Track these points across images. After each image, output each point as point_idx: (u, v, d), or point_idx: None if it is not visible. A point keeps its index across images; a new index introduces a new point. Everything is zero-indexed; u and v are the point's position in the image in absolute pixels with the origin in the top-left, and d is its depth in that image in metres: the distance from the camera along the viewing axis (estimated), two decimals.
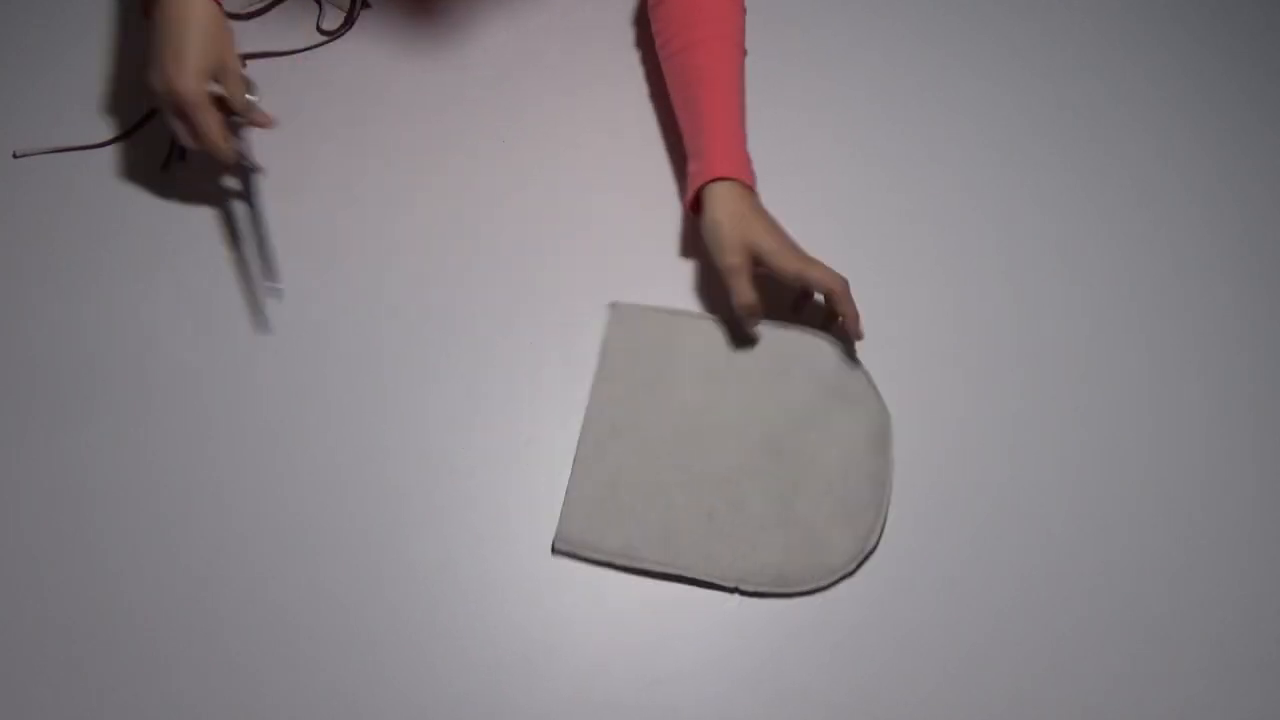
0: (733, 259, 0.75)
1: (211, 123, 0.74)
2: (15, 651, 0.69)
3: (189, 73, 0.72)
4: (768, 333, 0.79)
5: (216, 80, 0.75)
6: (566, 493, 0.74)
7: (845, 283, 0.76)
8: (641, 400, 0.76)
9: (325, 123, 0.90)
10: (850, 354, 0.78)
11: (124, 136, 0.89)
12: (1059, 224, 0.89)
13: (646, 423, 0.76)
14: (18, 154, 0.87)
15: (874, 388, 0.78)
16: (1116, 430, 0.80)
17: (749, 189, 0.78)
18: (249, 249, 0.82)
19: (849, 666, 0.70)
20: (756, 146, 0.90)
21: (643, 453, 0.75)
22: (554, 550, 0.73)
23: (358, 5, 0.96)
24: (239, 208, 0.84)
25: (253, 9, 0.97)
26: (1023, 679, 0.71)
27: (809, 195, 0.88)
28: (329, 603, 0.71)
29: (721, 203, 0.76)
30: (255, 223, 0.82)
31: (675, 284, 0.84)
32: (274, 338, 0.80)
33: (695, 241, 0.83)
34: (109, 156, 0.88)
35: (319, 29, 0.96)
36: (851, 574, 0.72)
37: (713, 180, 0.77)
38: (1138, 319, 0.85)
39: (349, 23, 0.96)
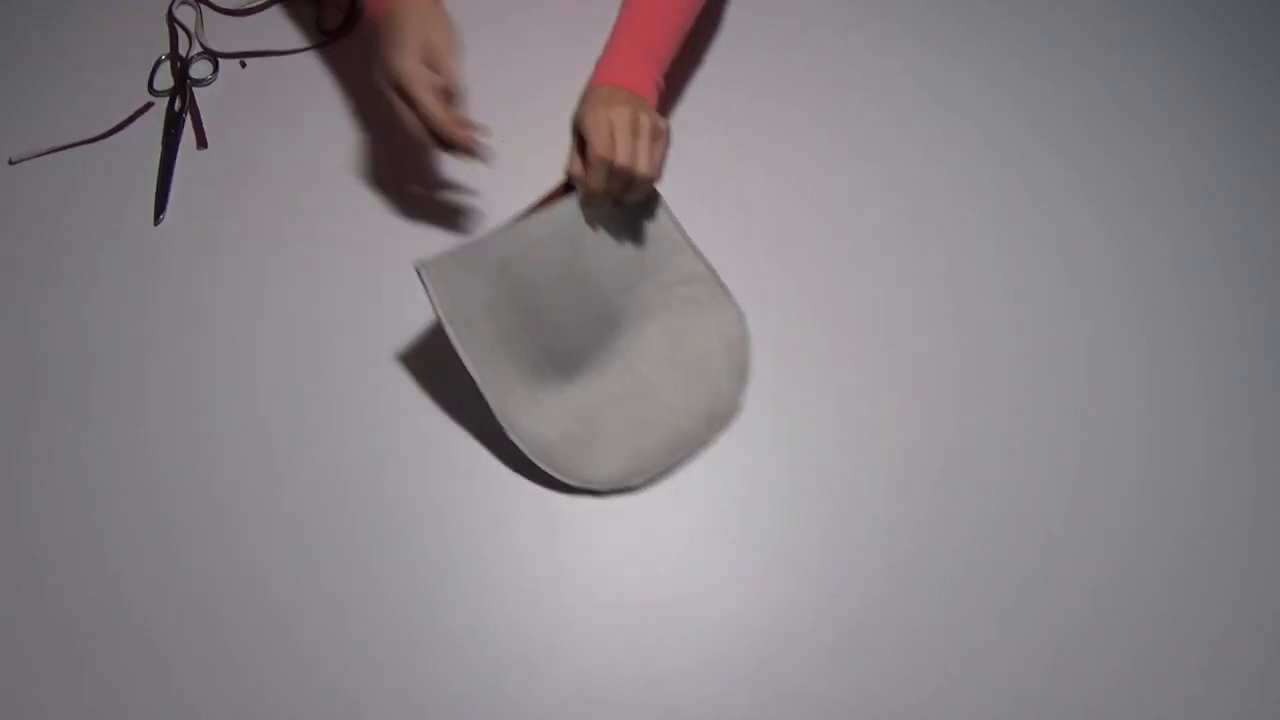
0: (586, 122, 0.74)
1: (428, 97, 0.74)
2: (15, 651, 0.69)
3: (406, 54, 0.74)
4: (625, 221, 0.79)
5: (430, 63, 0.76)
6: (467, 245, 0.72)
7: (608, 154, 0.72)
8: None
9: (325, 122, 0.91)
10: (709, 268, 0.80)
11: (117, 130, 0.89)
12: (1059, 224, 0.89)
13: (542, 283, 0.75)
14: (13, 160, 0.88)
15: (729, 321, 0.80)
16: (1116, 430, 0.80)
17: (629, 90, 0.76)
18: (161, 172, 0.87)
19: (848, 667, 0.70)
20: (756, 145, 0.90)
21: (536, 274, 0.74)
22: (415, 268, 0.71)
23: (358, 5, 0.96)
24: (168, 144, 0.89)
25: (253, 5, 0.97)
26: (1023, 679, 0.71)
27: (809, 195, 0.88)
28: (329, 602, 0.71)
29: (595, 95, 0.75)
30: (166, 162, 0.87)
31: None
32: (272, 337, 0.80)
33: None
34: (106, 154, 0.88)
35: (319, 29, 0.96)
36: (597, 494, 0.75)
37: (601, 85, 0.76)
38: (1138, 319, 0.85)
39: (349, 23, 0.96)
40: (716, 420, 0.78)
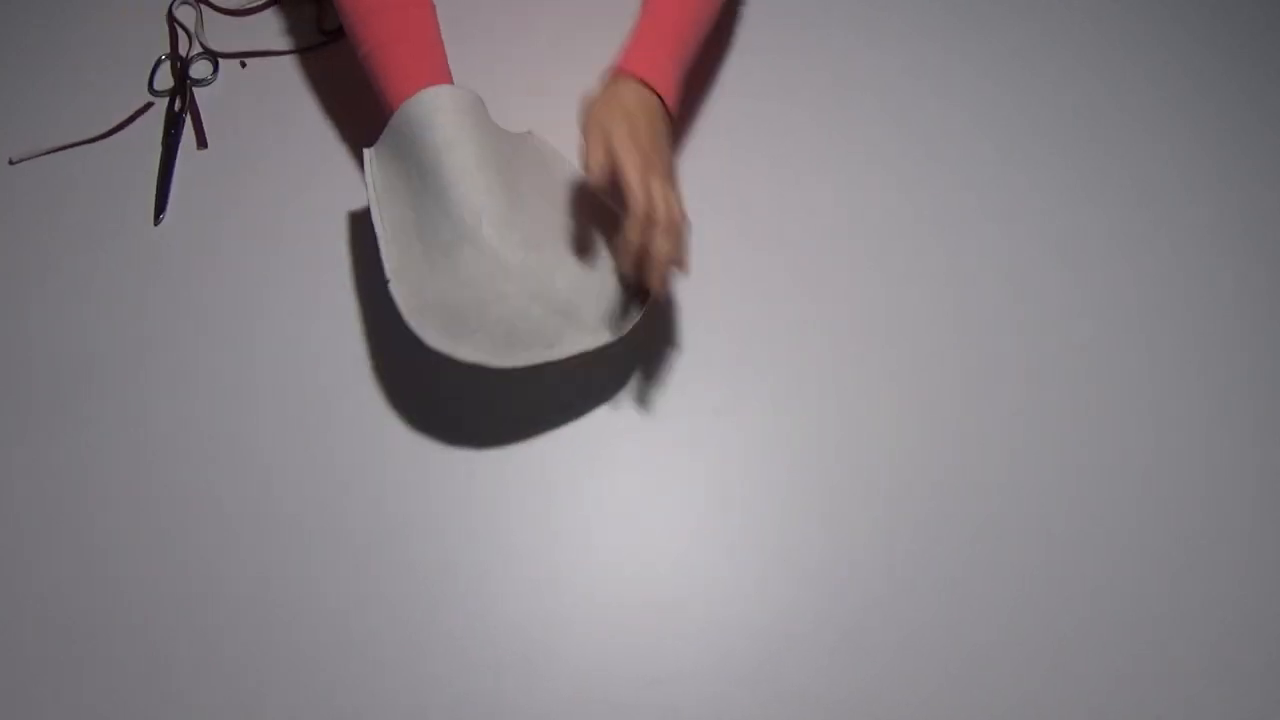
0: (585, 128, 0.71)
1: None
2: (15, 651, 0.69)
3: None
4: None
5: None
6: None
7: (646, 203, 0.67)
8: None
9: (325, 122, 0.91)
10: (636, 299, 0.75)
11: (117, 129, 0.89)
12: (1059, 224, 0.89)
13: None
14: (13, 160, 0.88)
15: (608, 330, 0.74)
16: (1117, 430, 0.80)
17: (650, 91, 0.73)
18: (161, 172, 0.87)
19: (848, 667, 0.70)
20: (755, 145, 0.90)
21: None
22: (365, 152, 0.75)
23: None
24: (167, 144, 0.89)
25: (253, 5, 0.97)
26: (1023, 679, 0.71)
27: (808, 195, 0.88)
28: (329, 603, 0.71)
29: (610, 89, 0.73)
30: (166, 162, 0.87)
31: (683, 282, 0.84)
32: (272, 337, 0.80)
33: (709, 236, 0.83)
34: (106, 154, 0.88)
35: (319, 29, 0.96)
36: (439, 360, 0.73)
37: (621, 74, 0.74)
38: (1138, 319, 0.85)
39: None
40: (605, 326, 0.73)
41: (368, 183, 0.74)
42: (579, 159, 0.73)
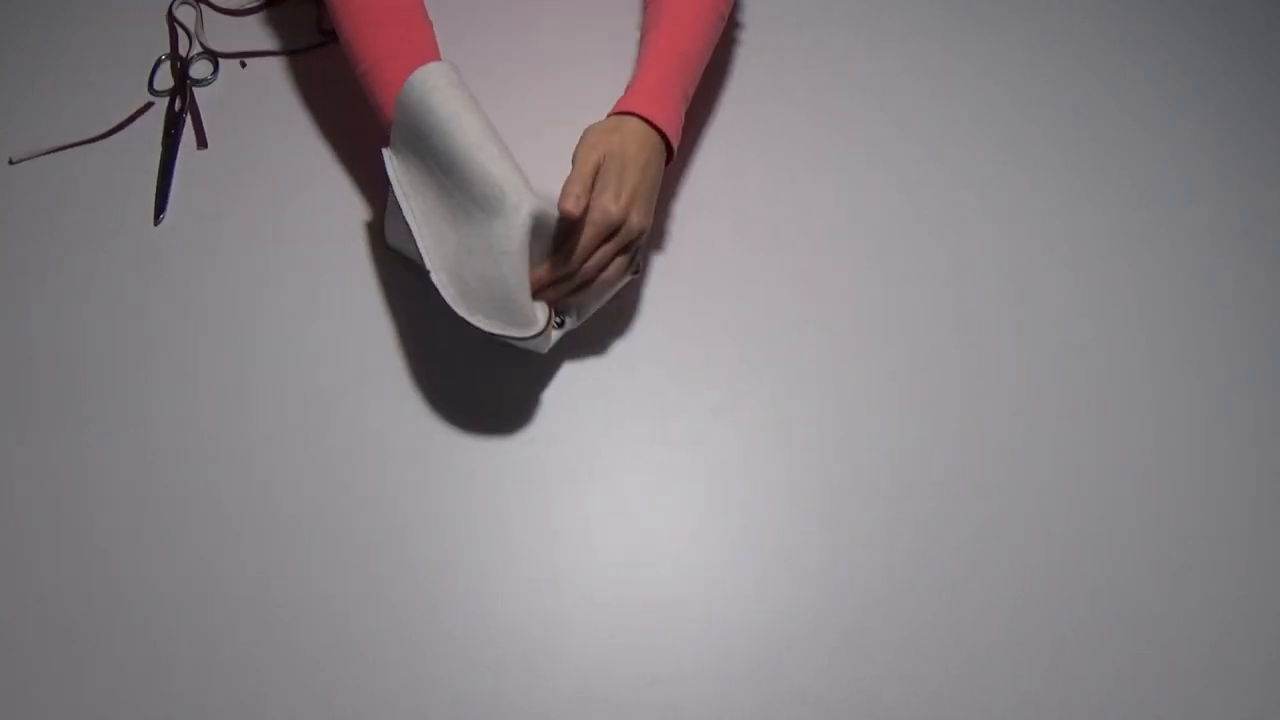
0: (581, 151, 0.73)
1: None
2: (15, 651, 0.69)
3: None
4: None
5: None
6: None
7: (600, 222, 0.71)
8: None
9: (325, 122, 0.91)
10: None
11: (117, 130, 0.89)
12: (1059, 224, 0.89)
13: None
14: (13, 160, 0.88)
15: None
16: (1117, 430, 0.80)
17: (655, 131, 0.75)
18: (161, 172, 0.87)
19: (848, 667, 0.70)
20: (753, 145, 0.90)
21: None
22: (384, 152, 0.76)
23: None
24: (167, 144, 0.89)
25: (253, 5, 0.97)
26: (1023, 679, 0.71)
27: (809, 194, 0.88)
28: (330, 603, 0.71)
29: (613, 125, 0.75)
30: (166, 162, 0.88)
31: (682, 282, 0.84)
32: (272, 337, 0.80)
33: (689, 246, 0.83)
34: (106, 154, 0.88)
35: (319, 29, 0.96)
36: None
37: (622, 113, 0.75)
38: (1138, 319, 0.85)
39: None
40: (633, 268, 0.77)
41: (392, 179, 0.75)
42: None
